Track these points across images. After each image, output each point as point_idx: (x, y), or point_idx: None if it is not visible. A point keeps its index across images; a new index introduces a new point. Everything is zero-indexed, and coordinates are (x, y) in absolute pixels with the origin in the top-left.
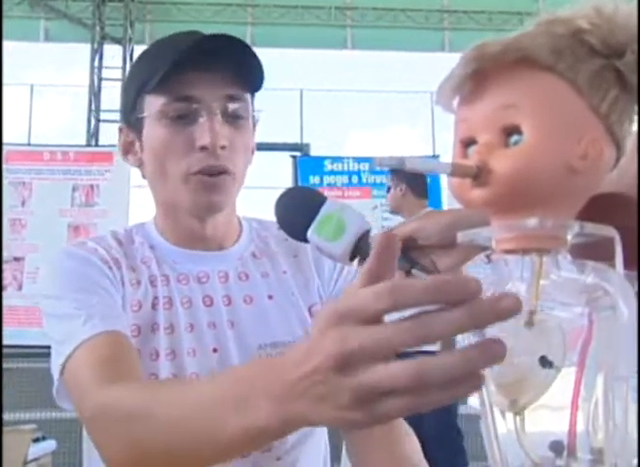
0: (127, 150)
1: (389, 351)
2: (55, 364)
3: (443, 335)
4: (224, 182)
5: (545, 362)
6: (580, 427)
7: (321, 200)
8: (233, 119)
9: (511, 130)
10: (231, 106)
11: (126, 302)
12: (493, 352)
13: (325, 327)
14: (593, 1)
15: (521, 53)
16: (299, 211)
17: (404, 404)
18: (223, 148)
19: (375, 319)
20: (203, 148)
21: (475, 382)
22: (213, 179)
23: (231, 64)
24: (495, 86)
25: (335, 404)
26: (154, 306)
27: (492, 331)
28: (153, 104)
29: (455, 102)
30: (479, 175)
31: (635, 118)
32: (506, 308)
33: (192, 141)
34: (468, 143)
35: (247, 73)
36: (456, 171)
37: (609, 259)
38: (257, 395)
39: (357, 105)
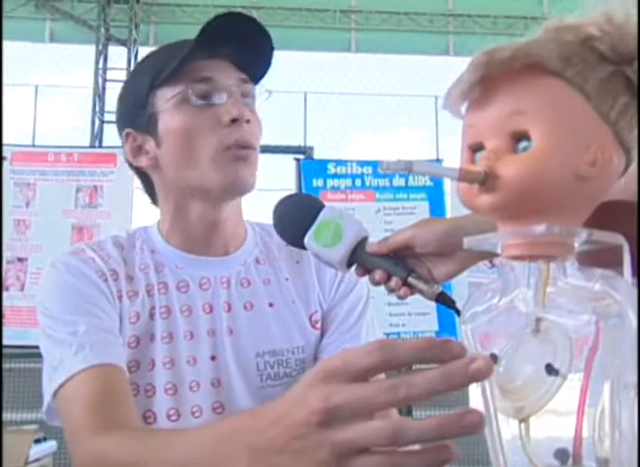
0: (137, 153)
1: (371, 410)
2: (47, 388)
3: (420, 396)
4: (251, 156)
5: (551, 369)
6: (586, 435)
7: (319, 207)
8: (247, 99)
9: (519, 136)
10: (245, 87)
11: (124, 315)
12: (468, 423)
13: (311, 383)
14: (601, 8)
15: (530, 59)
16: (296, 217)
17: (377, 463)
18: (248, 122)
19: (361, 378)
20: (234, 120)
21: (446, 456)
22: (244, 152)
23: (241, 50)
24: (504, 91)
25: (312, 459)
26: (151, 316)
27: (498, 338)
28: (168, 94)
29: (463, 108)
30: (486, 181)
31: None
32: (477, 371)
33: (217, 118)
34: (476, 148)
35: (254, 60)
36: (464, 177)
37: (617, 266)
38: (239, 449)
39: (361, 108)
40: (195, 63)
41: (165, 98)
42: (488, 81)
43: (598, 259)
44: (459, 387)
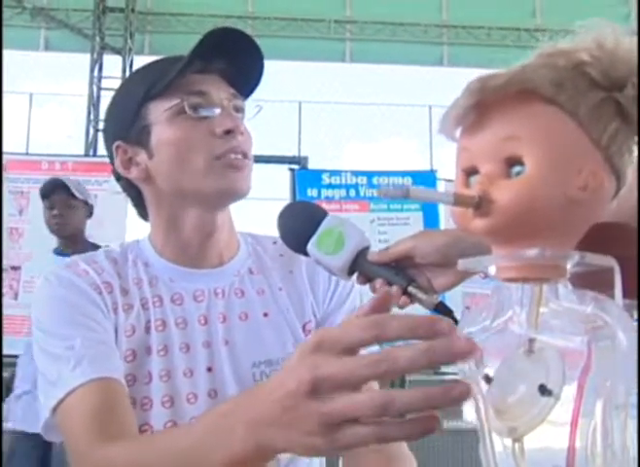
0: (128, 165)
1: (357, 382)
2: (45, 404)
3: (403, 370)
4: (246, 165)
5: (544, 390)
6: (579, 454)
7: (322, 215)
8: (239, 113)
9: (513, 161)
10: (237, 102)
11: (120, 328)
12: (455, 394)
13: (302, 355)
14: (593, 32)
15: (523, 85)
16: (300, 225)
17: (365, 433)
18: (242, 134)
19: (351, 351)
20: (228, 132)
21: (432, 424)
22: (239, 161)
23: (233, 66)
24: (498, 117)
25: (301, 429)
26: (147, 330)
27: (492, 359)
28: (162, 107)
29: (458, 132)
30: (480, 205)
31: (635, 148)
32: (459, 348)
33: (211, 130)
34: (470, 172)
35: (245, 76)
36: (458, 201)
37: (610, 287)
38: (235, 423)
39: (355, 118)
40: (189, 77)
41: (159, 111)
42: (482, 106)
43: (592, 280)
44: (441, 363)
